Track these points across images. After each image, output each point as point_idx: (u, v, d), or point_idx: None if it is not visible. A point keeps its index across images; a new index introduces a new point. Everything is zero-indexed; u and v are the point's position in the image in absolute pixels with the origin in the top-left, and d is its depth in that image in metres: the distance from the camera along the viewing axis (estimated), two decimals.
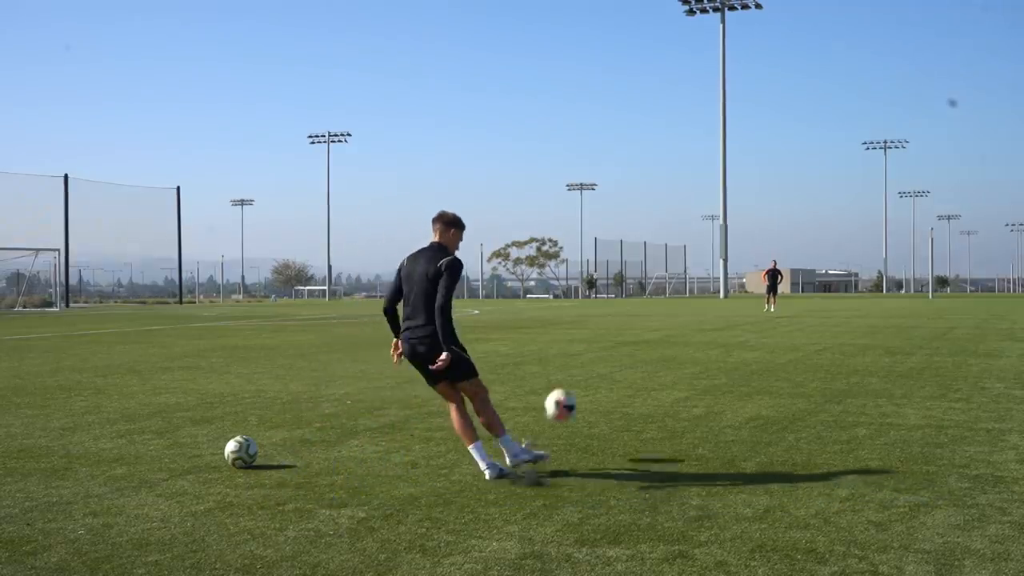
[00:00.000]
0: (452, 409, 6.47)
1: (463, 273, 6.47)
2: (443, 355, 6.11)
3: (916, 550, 4.66)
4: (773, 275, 36.32)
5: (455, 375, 6.33)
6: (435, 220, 6.49)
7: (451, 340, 6.20)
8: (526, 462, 6.35)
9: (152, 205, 58.17)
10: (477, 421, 6.49)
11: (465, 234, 6.57)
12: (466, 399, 6.47)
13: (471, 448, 6.34)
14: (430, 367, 6.27)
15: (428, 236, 6.52)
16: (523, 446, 6.46)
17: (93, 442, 7.73)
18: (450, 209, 6.53)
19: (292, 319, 31.54)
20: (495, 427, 6.39)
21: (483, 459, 6.29)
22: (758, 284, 73.32)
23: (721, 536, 4.90)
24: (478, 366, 6.54)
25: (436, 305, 6.16)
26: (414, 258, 6.41)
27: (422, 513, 5.40)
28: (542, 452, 6.56)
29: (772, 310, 34.60)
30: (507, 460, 6.37)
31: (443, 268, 6.22)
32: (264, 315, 36.03)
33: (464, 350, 6.34)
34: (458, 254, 6.46)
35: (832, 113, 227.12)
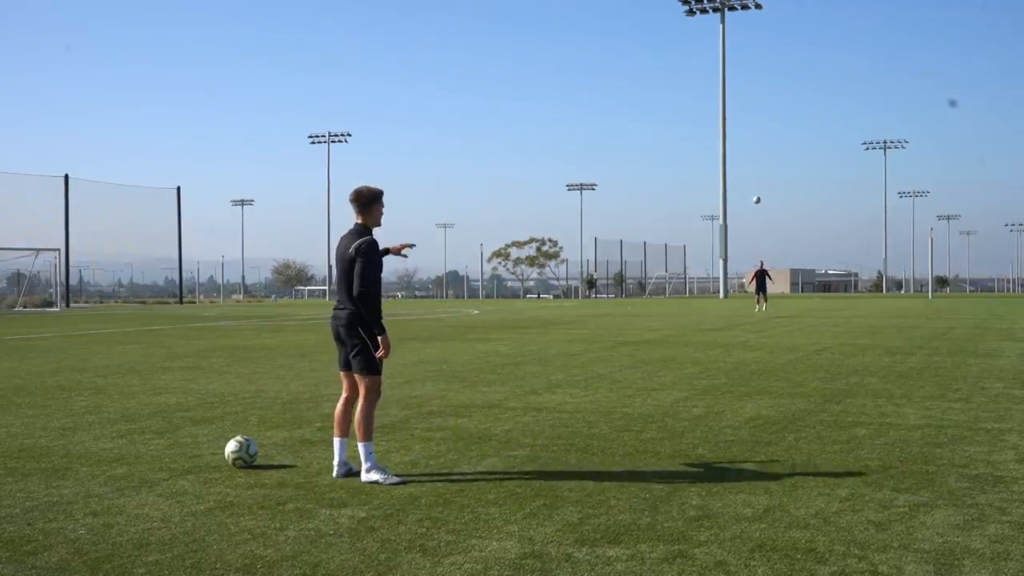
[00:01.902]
0: (343, 399, 6.50)
1: (379, 252, 6.33)
2: (380, 340, 6.27)
3: (916, 550, 4.67)
4: (761, 276, 36.91)
5: (357, 365, 6.34)
6: (351, 201, 6.41)
7: (379, 327, 6.28)
8: (372, 482, 6.12)
9: (152, 205, 58.20)
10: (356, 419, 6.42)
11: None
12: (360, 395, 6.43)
13: (336, 440, 6.41)
14: (379, 356, 6.34)
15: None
16: (384, 470, 6.27)
17: (93, 442, 7.74)
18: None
19: (292, 319, 31.55)
20: (365, 431, 6.28)
21: (340, 454, 6.36)
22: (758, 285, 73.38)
23: (721, 536, 4.91)
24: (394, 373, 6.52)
25: (355, 294, 6.22)
26: (340, 240, 6.46)
27: (422, 513, 5.40)
28: (396, 479, 6.19)
29: (764, 309, 35.16)
30: (362, 466, 6.24)
31: (356, 253, 6.23)
32: (264, 315, 36.03)
33: (374, 351, 6.27)
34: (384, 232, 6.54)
35: (832, 113, 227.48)
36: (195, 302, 66.20)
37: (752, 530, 5.00)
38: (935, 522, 5.15)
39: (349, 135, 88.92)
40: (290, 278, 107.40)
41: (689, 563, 4.48)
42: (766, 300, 37.01)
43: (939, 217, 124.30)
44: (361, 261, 6.20)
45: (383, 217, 6.45)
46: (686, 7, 66.27)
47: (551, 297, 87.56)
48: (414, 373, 12.77)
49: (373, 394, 6.36)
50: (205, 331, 24.12)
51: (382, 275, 6.53)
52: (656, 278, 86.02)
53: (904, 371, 12.67)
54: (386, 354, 6.30)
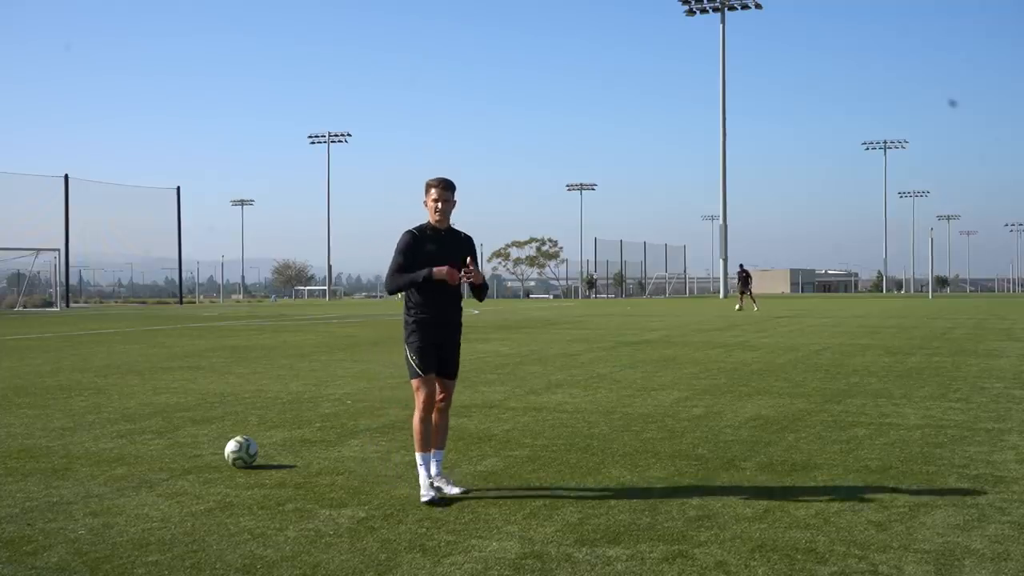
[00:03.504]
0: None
1: (401, 243, 5.85)
2: (434, 275, 5.77)
3: (916, 550, 4.67)
4: (744, 278, 37.82)
5: None
6: None
7: (417, 281, 5.77)
8: (437, 490, 5.78)
9: (152, 205, 58.18)
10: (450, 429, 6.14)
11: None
12: (436, 407, 5.99)
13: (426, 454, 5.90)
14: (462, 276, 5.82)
15: None
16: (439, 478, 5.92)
17: (93, 442, 7.73)
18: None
19: (292, 319, 31.54)
20: (415, 440, 5.88)
21: (431, 468, 5.89)
22: (757, 284, 73.48)
23: (721, 536, 4.91)
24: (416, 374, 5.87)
25: None
26: None
27: (422, 513, 5.40)
28: (457, 489, 5.86)
29: (755, 308, 36.24)
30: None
31: None
32: (264, 315, 36.03)
33: (410, 348, 5.87)
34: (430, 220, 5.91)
35: (832, 113, 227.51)
36: (195, 302, 66.17)
37: (752, 530, 5.00)
38: (935, 522, 5.15)
39: (349, 135, 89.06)
40: (290, 278, 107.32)
41: (689, 563, 4.48)
42: (743, 300, 37.69)
43: (939, 217, 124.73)
44: None
45: (436, 211, 5.86)
46: (686, 7, 66.29)
47: (551, 297, 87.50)
48: None
49: (417, 401, 5.86)
50: (205, 331, 24.11)
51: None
52: (656, 278, 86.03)
53: (904, 371, 12.67)
54: (455, 276, 5.71)
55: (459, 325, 6.08)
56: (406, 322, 5.97)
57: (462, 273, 5.79)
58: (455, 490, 5.84)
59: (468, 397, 10.30)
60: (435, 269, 5.75)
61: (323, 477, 6.34)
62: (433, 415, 5.96)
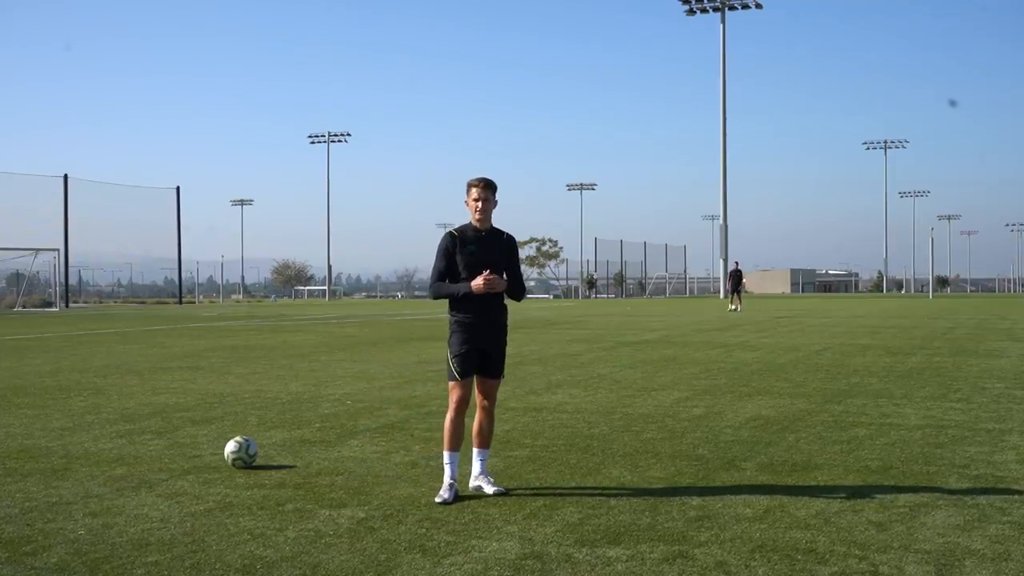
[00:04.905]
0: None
1: (441, 246, 5.89)
2: (473, 289, 5.79)
3: (916, 550, 4.66)
4: (736, 276, 36.88)
5: None
6: None
7: (458, 291, 5.81)
8: (477, 488, 5.87)
9: (152, 205, 58.13)
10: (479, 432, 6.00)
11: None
12: (480, 405, 6.00)
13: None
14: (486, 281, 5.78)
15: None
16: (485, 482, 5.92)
17: (93, 442, 7.73)
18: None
19: (292, 319, 31.53)
20: (445, 440, 5.85)
21: (472, 467, 5.98)
22: (757, 284, 73.64)
23: (721, 536, 4.90)
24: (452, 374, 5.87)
25: None
26: None
27: (422, 513, 5.39)
28: (494, 489, 5.86)
29: (739, 310, 35.14)
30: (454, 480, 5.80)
31: None
32: (264, 315, 36.02)
33: (451, 350, 5.89)
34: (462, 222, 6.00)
35: (832, 113, 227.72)
36: (194, 302, 66.15)
37: (752, 530, 5.00)
38: (936, 522, 5.14)
39: (349, 135, 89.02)
40: (290, 278, 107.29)
41: (689, 563, 4.48)
42: (740, 301, 36.77)
43: (940, 217, 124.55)
44: None
45: (476, 211, 5.86)
46: (686, 7, 66.22)
47: (551, 297, 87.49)
48: (414, 373, 12.77)
49: (451, 402, 5.88)
50: (204, 331, 24.11)
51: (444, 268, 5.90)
52: (656, 278, 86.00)
53: (905, 371, 12.66)
54: (485, 284, 5.72)
55: (503, 325, 6.02)
56: (450, 321, 5.99)
57: (482, 281, 5.73)
58: (493, 489, 5.83)
59: None
60: (473, 285, 5.75)
61: (323, 477, 6.33)
62: (477, 414, 5.98)
